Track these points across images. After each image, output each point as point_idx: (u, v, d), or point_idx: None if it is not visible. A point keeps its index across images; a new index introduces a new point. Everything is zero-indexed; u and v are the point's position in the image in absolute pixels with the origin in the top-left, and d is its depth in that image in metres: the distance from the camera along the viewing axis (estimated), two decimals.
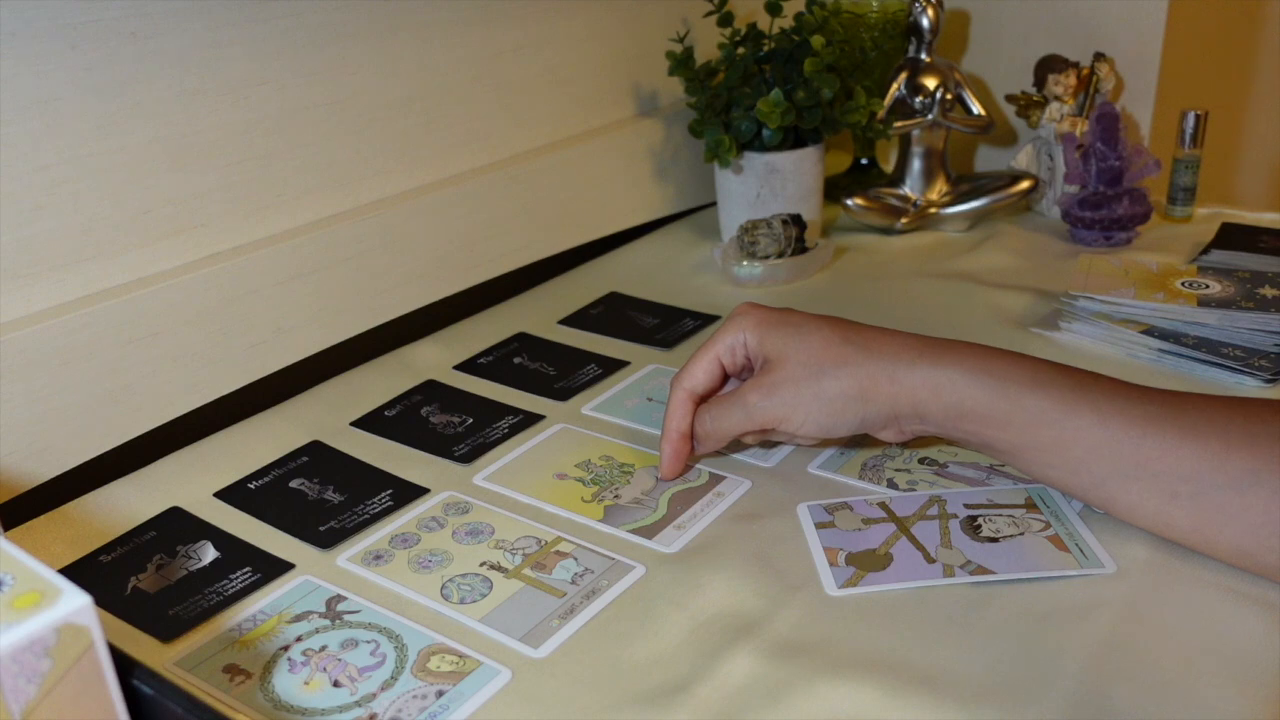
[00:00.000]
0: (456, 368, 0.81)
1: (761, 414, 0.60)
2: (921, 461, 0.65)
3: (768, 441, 0.67)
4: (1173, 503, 0.52)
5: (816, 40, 0.92)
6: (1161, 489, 0.52)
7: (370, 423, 0.73)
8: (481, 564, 0.58)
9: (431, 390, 0.77)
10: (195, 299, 0.69)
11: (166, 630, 0.54)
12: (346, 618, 0.54)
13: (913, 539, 0.57)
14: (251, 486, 0.66)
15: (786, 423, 0.59)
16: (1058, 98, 1.01)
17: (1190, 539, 0.53)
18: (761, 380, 0.60)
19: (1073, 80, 1.01)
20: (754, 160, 0.94)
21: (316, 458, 0.69)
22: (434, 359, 0.82)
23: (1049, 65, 1.01)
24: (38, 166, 0.63)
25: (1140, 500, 0.53)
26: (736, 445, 0.67)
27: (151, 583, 0.58)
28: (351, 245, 0.78)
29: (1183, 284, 0.82)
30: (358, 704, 0.48)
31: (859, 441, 0.67)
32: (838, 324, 0.60)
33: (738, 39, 0.97)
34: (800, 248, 0.92)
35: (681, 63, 0.96)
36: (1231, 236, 0.94)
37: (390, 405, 0.75)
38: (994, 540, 0.57)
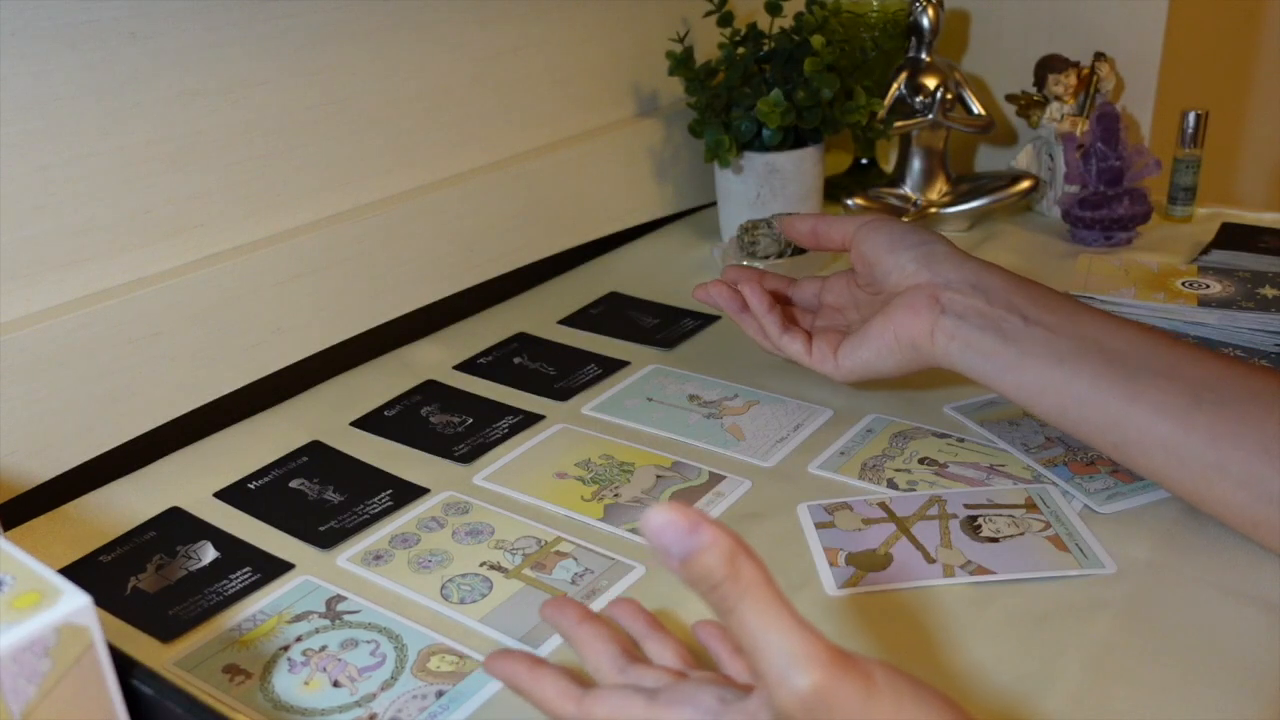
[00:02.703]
0: (456, 368, 0.81)
1: (859, 225, 0.67)
2: (921, 461, 0.65)
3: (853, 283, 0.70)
4: (1196, 408, 0.53)
5: (816, 40, 0.92)
6: (1186, 391, 0.53)
7: (370, 423, 0.73)
8: (481, 564, 0.58)
9: (431, 390, 0.77)
10: (195, 299, 0.69)
11: (166, 630, 0.54)
12: (346, 618, 0.54)
13: (913, 539, 0.57)
14: (251, 486, 0.66)
15: (868, 229, 0.66)
16: (1058, 98, 1.01)
17: (1206, 453, 0.53)
18: (861, 227, 0.67)
19: (1073, 80, 1.01)
20: (754, 160, 0.94)
21: (316, 458, 0.69)
22: (434, 359, 0.82)
23: (1049, 65, 1.01)
24: (38, 166, 0.63)
25: (1165, 399, 0.53)
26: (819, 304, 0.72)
27: (151, 583, 0.58)
28: (351, 245, 0.78)
29: (1183, 284, 0.82)
30: (358, 704, 0.48)
31: (857, 443, 0.67)
32: None
33: (738, 39, 0.97)
34: (800, 248, 0.92)
35: (681, 63, 0.96)
36: (1231, 236, 0.94)
37: (390, 405, 0.75)
38: (994, 540, 0.57)
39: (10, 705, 0.32)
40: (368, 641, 0.52)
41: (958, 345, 0.59)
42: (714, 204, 1.03)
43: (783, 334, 0.68)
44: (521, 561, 0.58)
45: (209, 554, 0.60)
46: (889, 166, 1.11)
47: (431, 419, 0.73)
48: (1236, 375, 0.54)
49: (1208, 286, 0.81)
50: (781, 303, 0.72)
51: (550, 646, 0.51)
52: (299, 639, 0.53)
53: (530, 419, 0.72)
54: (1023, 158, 1.04)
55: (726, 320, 0.86)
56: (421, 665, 0.50)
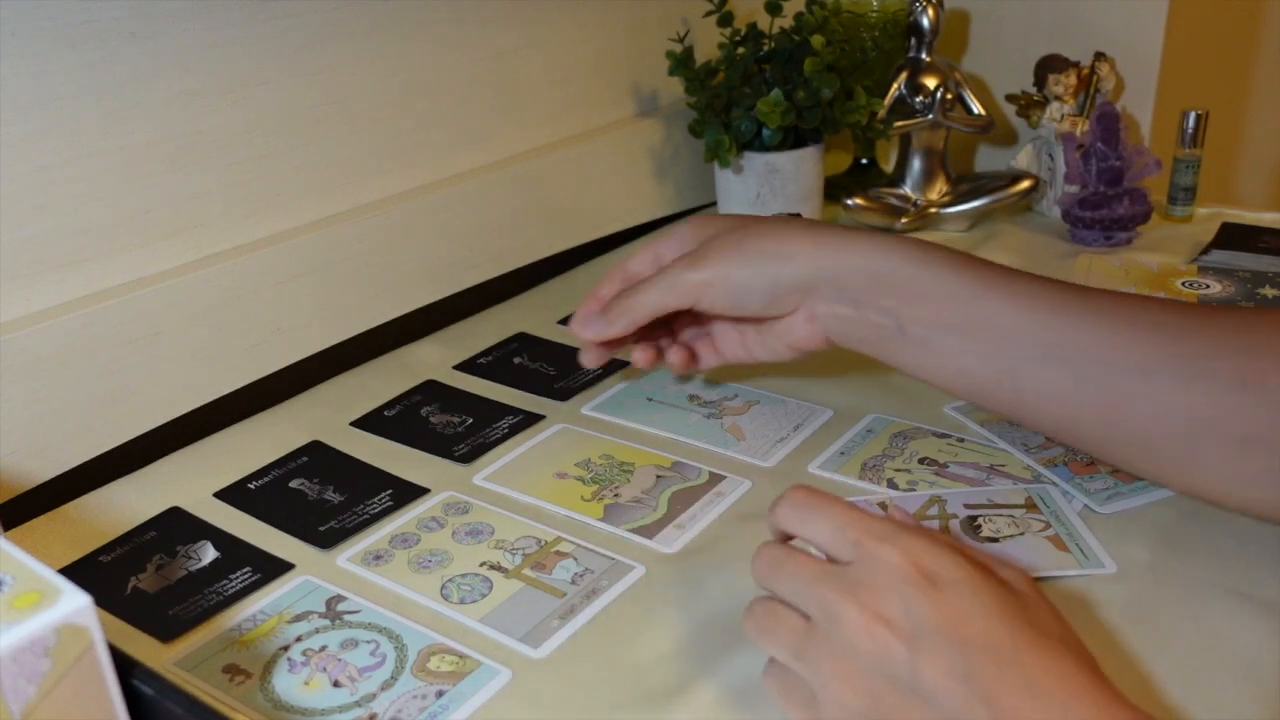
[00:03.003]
0: (456, 368, 0.81)
1: (684, 282, 0.59)
2: (921, 461, 0.65)
3: (688, 346, 0.67)
4: (1082, 388, 0.52)
5: (816, 40, 0.92)
6: (1071, 374, 0.52)
7: (370, 423, 0.73)
8: (481, 564, 0.58)
9: (431, 390, 0.77)
10: (195, 299, 0.69)
11: (166, 630, 0.54)
12: (346, 618, 0.54)
13: None
14: (251, 486, 0.66)
15: (704, 293, 0.59)
16: (1058, 97, 1.01)
17: (1097, 430, 0.53)
18: (692, 254, 0.60)
19: (1073, 80, 1.01)
20: (754, 160, 0.94)
21: (316, 458, 0.69)
22: (434, 359, 0.82)
23: (1049, 65, 1.01)
24: (38, 166, 0.63)
25: (1051, 387, 0.53)
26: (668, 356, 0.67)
27: (151, 583, 0.58)
28: (351, 245, 0.78)
29: (1183, 284, 0.82)
30: (358, 704, 0.48)
31: (857, 443, 0.67)
32: (782, 216, 0.63)
33: (738, 39, 0.97)
34: None
35: (681, 63, 0.96)
36: (1231, 236, 0.94)
37: (390, 405, 0.75)
38: (994, 540, 0.57)
39: (10, 705, 0.32)
40: (368, 641, 0.52)
41: (850, 343, 0.60)
42: (714, 204, 1.03)
43: (672, 355, 0.67)
44: (521, 561, 0.58)
45: (209, 554, 0.60)
46: (889, 166, 1.12)
47: (431, 419, 0.73)
48: (1122, 344, 0.52)
49: (1208, 286, 0.81)
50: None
51: (550, 647, 0.51)
52: (299, 639, 0.53)
53: (530, 419, 0.72)
54: (1023, 158, 1.04)
55: None
56: (421, 665, 0.50)
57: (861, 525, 0.43)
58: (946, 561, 0.41)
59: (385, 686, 0.49)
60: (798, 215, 0.92)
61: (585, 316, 0.63)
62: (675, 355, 0.66)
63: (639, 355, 0.66)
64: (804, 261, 0.57)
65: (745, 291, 0.58)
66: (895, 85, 1.03)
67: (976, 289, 0.54)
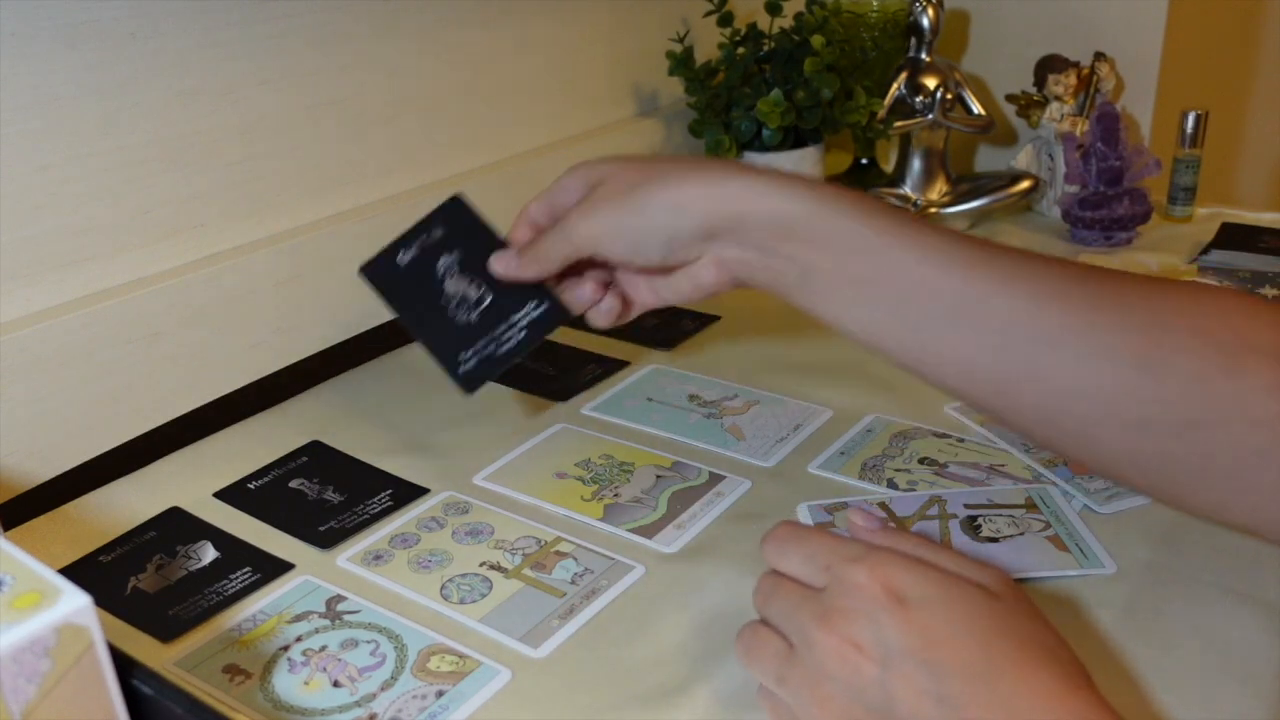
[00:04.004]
0: None
1: (578, 234, 0.56)
2: (921, 461, 0.65)
3: (606, 283, 0.62)
4: (979, 354, 0.49)
5: (816, 40, 0.92)
6: (972, 339, 0.49)
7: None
8: (481, 564, 0.58)
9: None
10: (195, 299, 0.69)
11: (166, 630, 0.54)
12: (346, 618, 0.54)
13: None
14: (251, 486, 0.66)
15: (600, 243, 0.56)
16: (1058, 98, 1.01)
17: (994, 401, 0.50)
18: (583, 202, 0.57)
19: (1073, 80, 1.01)
20: (754, 160, 0.94)
21: (316, 458, 0.69)
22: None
23: (1049, 65, 1.01)
24: (38, 166, 0.63)
25: (952, 350, 0.50)
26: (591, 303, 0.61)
27: (151, 583, 0.58)
28: (351, 245, 0.78)
29: None
30: (358, 704, 0.48)
31: (857, 443, 0.67)
32: (673, 156, 0.59)
33: (738, 39, 0.97)
34: None
35: (681, 63, 0.96)
36: (1231, 236, 0.94)
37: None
38: (994, 540, 0.57)
39: (10, 705, 0.32)
40: (368, 641, 0.52)
41: (757, 285, 0.57)
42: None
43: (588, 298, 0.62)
44: (521, 561, 0.58)
45: (209, 554, 0.60)
46: (889, 166, 1.12)
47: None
48: (1031, 312, 0.49)
49: None
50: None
51: (550, 646, 0.51)
52: (299, 639, 0.53)
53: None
54: (1023, 158, 1.04)
55: (726, 320, 0.86)
56: (421, 665, 0.50)
57: (831, 550, 0.43)
58: (916, 578, 0.40)
59: (385, 686, 0.49)
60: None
61: (503, 257, 0.60)
62: (606, 302, 0.62)
63: (578, 295, 0.61)
64: (701, 212, 0.54)
65: (641, 243, 0.55)
66: (895, 85, 1.03)
67: (885, 240, 0.51)
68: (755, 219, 0.53)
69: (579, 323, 0.87)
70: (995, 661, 0.38)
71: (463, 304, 0.61)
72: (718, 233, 0.54)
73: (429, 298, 0.61)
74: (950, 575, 0.41)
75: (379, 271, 0.63)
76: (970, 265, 0.49)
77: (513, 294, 0.60)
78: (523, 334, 0.59)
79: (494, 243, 0.61)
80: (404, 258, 0.63)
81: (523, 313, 0.60)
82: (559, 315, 0.60)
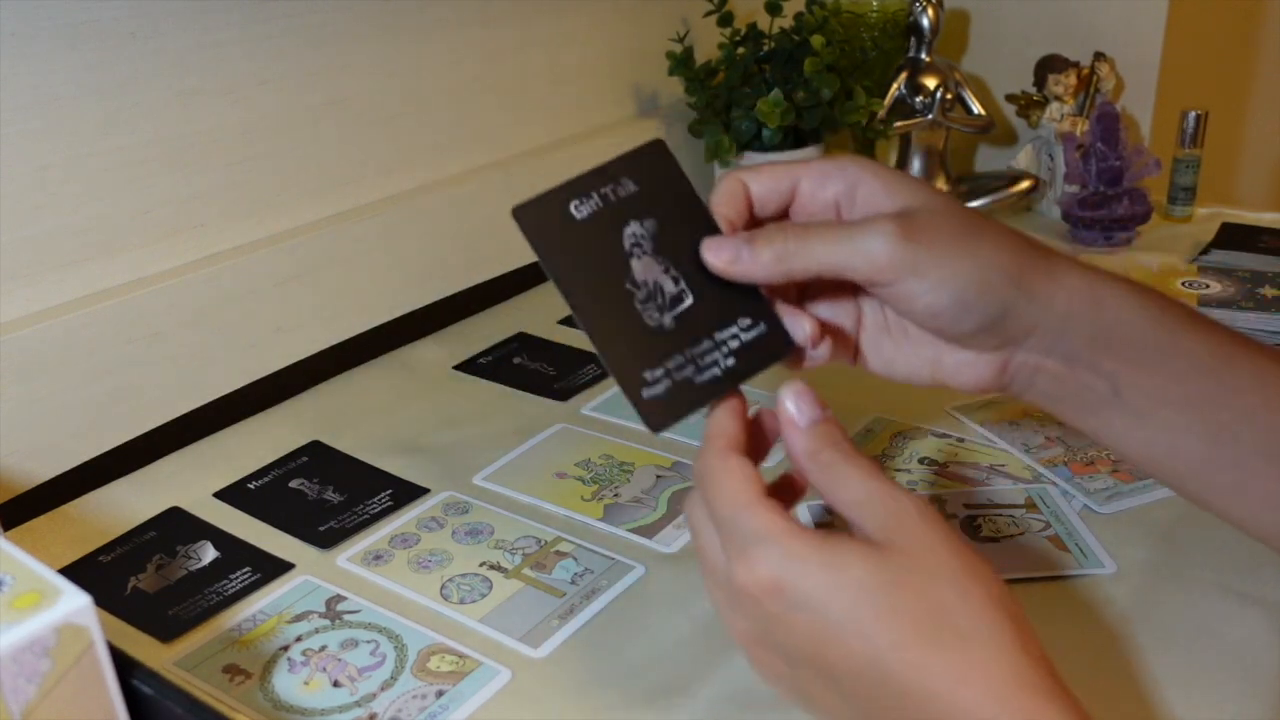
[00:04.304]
0: (456, 368, 0.81)
1: (887, 255, 0.42)
2: (921, 461, 0.65)
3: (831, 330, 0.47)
4: None
5: (816, 40, 0.92)
6: None
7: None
8: (481, 564, 0.58)
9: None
10: (195, 299, 0.69)
11: (166, 630, 0.54)
12: (346, 618, 0.54)
13: None
14: (251, 486, 0.66)
15: (919, 273, 0.42)
16: (1058, 98, 1.01)
17: None
18: (902, 215, 0.43)
19: (1073, 80, 1.01)
20: (754, 160, 0.94)
21: (316, 458, 0.69)
22: (434, 359, 0.82)
23: (1049, 65, 1.01)
24: (38, 166, 0.63)
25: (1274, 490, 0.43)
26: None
27: (151, 583, 0.58)
28: (351, 245, 0.78)
29: (1183, 284, 0.82)
30: (358, 704, 0.48)
31: (858, 442, 0.67)
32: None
33: (738, 39, 0.97)
34: None
35: (681, 63, 0.96)
36: (1231, 236, 0.94)
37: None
38: (994, 540, 0.57)
39: (10, 705, 0.32)
40: (368, 641, 0.52)
41: (1039, 399, 0.47)
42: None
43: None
44: (521, 561, 0.58)
45: (209, 554, 0.60)
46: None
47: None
48: None
49: (1208, 286, 0.81)
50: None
51: (550, 646, 0.51)
52: (299, 639, 0.53)
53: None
54: (1023, 158, 1.04)
55: None
56: (421, 665, 0.50)
57: (716, 535, 0.39)
58: (793, 575, 0.36)
59: (385, 686, 0.49)
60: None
61: (724, 245, 0.43)
62: (820, 350, 0.46)
63: (806, 328, 0.45)
64: (1038, 298, 0.43)
65: (965, 307, 0.43)
66: (895, 85, 1.03)
67: (1218, 357, 0.44)
68: (1087, 329, 0.44)
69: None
70: (883, 657, 0.35)
71: (655, 299, 0.43)
72: (1040, 330, 0.44)
73: (609, 278, 0.42)
74: (833, 560, 0.36)
75: (540, 221, 0.42)
76: None
77: (720, 299, 0.43)
78: (731, 361, 0.42)
79: (702, 218, 0.44)
80: (580, 210, 0.43)
81: (732, 330, 0.43)
82: (780, 346, 0.44)
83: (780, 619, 0.37)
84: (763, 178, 0.44)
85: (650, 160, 0.44)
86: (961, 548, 0.36)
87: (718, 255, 0.43)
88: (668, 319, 0.43)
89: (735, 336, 0.43)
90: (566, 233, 0.42)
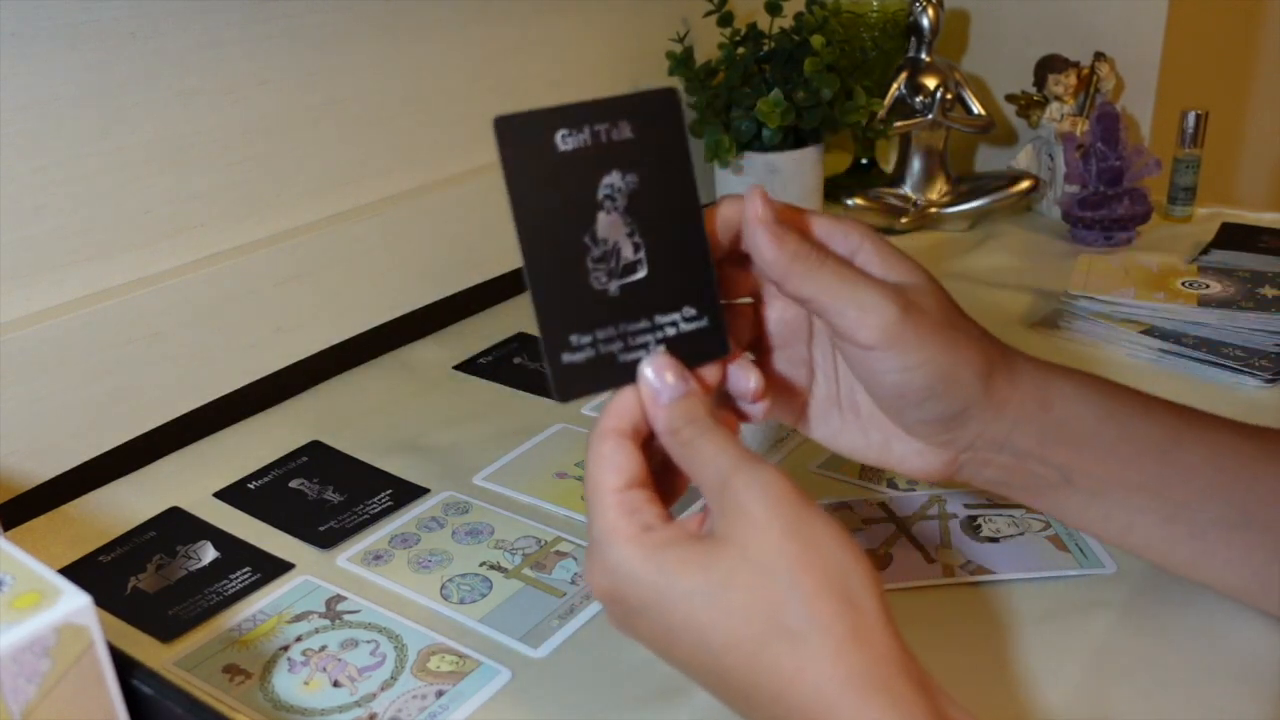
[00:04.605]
0: (456, 368, 0.81)
1: (898, 320, 0.41)
2: None
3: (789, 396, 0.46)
4: (1274, 563, 0.45)
5: (816, 40, 0.92)
6: (1268, 545, 0.44)
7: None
8: (481, 564, 0.58)
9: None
10: (195, 299, 0.69)
11: (166, 630, 0.54)
12: (346, 618, 0.54)
13: (912, 539, 0.57)
14: (251, 486, 0.66)
15: (902, 350, 0.42)
16: (1058, 98, 1.01)
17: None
18: (901, 290, 0.43)
19: (1073, 80, 1.01)
20: (754, 160, 0.94)
21: (316, 458, 0.69)
22: (434, 359, 0.82)
23: (1049, 65, 1.01)
24: (38, 166, 0.63)
25: (1243, 556, 0.45)
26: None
27: (151, 583, 0.58)
28: (351, 245, 0.78)
29: (1183, 284, 0.82)
30: (358, 704, 0.48)
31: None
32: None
33: (738, 39, 0.97)
34: None
35: (681, 63, 0.96)
36: (1231, 236, 0.94)
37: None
38: (994, 540, 0.57)
39: (10, 705, 0.32)
40: (368, 641, 0.52)
41: (986, 485, 0.48)
42: (714, 204, 1.03)
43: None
44: (521, 561, 0.58)
45: (209, 554, 0.60)
46: (889, 166, 1.11)
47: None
48: None
49: (1208, 286, 0.81)
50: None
51: (550, 646, 0.51)
52: (299, 639, 0.53)
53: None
54: (1023, 158, 1.04)
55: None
56: (421, 665, 0.50)
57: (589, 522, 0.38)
58: (629, 584, 0.36)
59: (385, 686, 0.49)
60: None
61: (768, 200, 0.42)
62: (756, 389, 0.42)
63: (751, 383, 0.42)
64: (997, 400, 0.44)
65: (932, 394, 0.43)
66: (895, 85, 1.03)
67: (1169, 440, 0.45)
68: (1036, 430, 0.45)
69: None
70: (720, 660, 0.35)
71: (608, 261, 0.40)
72: (990, 437, 0.45)
73: (569, 224, 0.39)
74: (662, 561, 0.36)
75: (519, 139, 0.39)
76: (1266, 461, 0.45)
77: (674, 281, 0.41)
78: (660, 348, 0.40)
79: (686, 190, 0.41)
80: (565, 142, 0.39)
81: (673, 317, 0.41)
82: (715, 347, 0.41)
83: (626, 619, 0.38)
84: (780, 211, 0.43)
85: (656, 109, 0.40)
86: (800, 528, 0.35)
87: (754, 204, 0.41)
88: (614, 285, 0.40)
89: (674, 324, 0.40)
90: (542, 160, 0.39)
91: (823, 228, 0.44)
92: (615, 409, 0.39)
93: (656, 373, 0.39)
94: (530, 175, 0.39)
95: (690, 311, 0.41)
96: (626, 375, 0.40)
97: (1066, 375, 0.46)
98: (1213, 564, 0.46)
